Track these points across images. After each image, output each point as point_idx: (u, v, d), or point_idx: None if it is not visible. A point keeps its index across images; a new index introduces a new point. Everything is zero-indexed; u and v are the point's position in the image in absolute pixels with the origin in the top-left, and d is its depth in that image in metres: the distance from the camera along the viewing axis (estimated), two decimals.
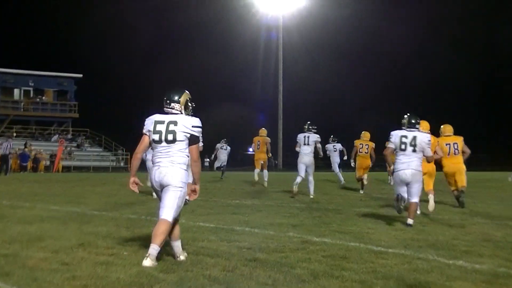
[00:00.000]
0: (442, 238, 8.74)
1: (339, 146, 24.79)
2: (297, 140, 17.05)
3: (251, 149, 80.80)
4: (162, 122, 6.84)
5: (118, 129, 61.99)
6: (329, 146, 24.76)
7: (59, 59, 71.99)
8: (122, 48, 78.27)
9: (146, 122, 6.97)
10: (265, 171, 22.35)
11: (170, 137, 6.76)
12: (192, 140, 6.80)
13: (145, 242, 7.96)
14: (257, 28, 57.11)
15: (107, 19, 71.11)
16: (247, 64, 74.98)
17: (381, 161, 27.24)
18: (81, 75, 57.73)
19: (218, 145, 30.17)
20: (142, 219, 10.64)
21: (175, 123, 6.78)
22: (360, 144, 19.72)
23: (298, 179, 16.75)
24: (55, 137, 51.01)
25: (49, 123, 56.00)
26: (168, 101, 6.93)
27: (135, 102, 77.05)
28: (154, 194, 6.37)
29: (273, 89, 59.10)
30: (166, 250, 7.19)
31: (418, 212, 11.56)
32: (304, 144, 16.85)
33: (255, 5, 53.18)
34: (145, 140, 6.95)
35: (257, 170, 22.24)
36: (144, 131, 6.97)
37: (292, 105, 58.67)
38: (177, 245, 6.89)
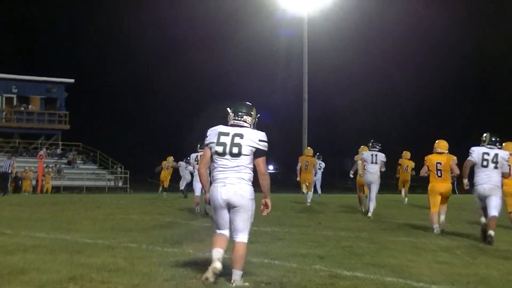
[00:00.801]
0: (495, 273, 8.68)
1: (323, 164, 29.07)
2: (364, 159, 19.64)
3: (271, 167, 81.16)
4: (226, 134, 7.49)
5: (116, 144, 62.20)
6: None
7: (47, 61, 72.47)
8: (121, 49, 78.69)
9: (208, 133, 7.64)
10: (310, 193, 25.21)
11: (235, 150, 7.41)
12: (258, 154, 7.46)
13: (146, 275, 8.00)
14: (278, 27, 57.14)
15: (103, 16, 71.75)
16: (264, 66, 75.07)
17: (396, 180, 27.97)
18: (72, 80, 57.74)
19: (182, 163, 31.67)
20: (142, 248, 10.67)
21: (241, 136, 7.45)
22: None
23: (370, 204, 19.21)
24: (41, 152, 50.84)
25: (35, 136, 55.97)
26: (240, 113, 7.65)
27: (136, 112, 77.65)
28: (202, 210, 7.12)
29: (295, 95, 59.05)
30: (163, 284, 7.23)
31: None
32: (372, 163, 19.32)
33: (276, 1, 53.01)
34: (207, 154, 7.64)
35: (310, 193, 25.20)
36: (206, 143, 7.63)
37: (317, 113, 58.65)
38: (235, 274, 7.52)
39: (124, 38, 77.79)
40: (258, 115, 7.81)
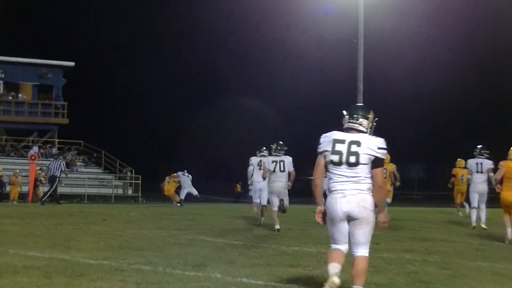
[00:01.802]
0: None
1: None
2: (468, 167, 21.85)
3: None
4: (342, 142, 8.30)
5: (125, 142, 62.41)
6: None
7: (41, 40, 72.76)
8: (132, 27, 78.58)
9: (321, 141, 8.50)
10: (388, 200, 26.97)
11: (352, 159, 8.21)
12: (376, 162, 8.25)
13: None
14: (329, 16, 57.07)
15: None
16: (312, 60, 74.95)
17: (449, 191, 29.33)
18: (72, 63, 57.85)
19: (180, 174, 41.58)
20: (158, 271, 10.72)
21: (358, 143, 8.23)
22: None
23: (473, 215, 21.79)
24: (32, 151, 50.56)
25: (26, 132, 56.11)
26: (355, 116, 8.45)
27: (150, 105, 77.74)
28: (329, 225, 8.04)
29: (346, 85, 58.86)
30: None
31: None
32: (477, 172, 21.34)
33: None
34: (321, 162, 8.50)
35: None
36: (319, 151, 8.49)
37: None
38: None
39: (137, 12, 77.75)
40: (376, 118, 8.51)
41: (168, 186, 41.54)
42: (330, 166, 8.33)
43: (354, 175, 8.19)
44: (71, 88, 58.76)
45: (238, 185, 57.73)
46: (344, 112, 8.51)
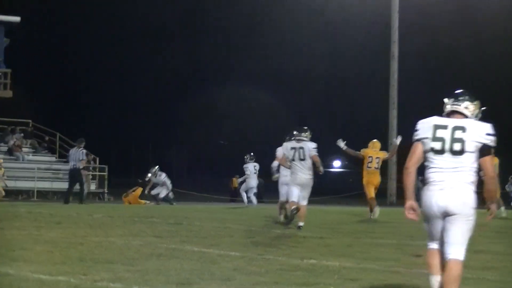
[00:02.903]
0: None
1: (258, 167, 38.42)
2: None
3: (337, 163, 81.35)
4: (444, 127, 9.30)
5: (86, 122, 62.42)
6: (249, 166, 39.36)
7: None
8: None
9: (418, 127, 9.54)
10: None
11: (457, 146, 9.18)
12: (485, 151, 9.23)
13: None
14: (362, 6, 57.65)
15: None
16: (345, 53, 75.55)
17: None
18: (18, 19, 57.80)
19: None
20: None
21: (463, 129, 9.21)
22: (370, 156, 26.75)
23: None
24: None
25: None
26: (460, 98, 9.49)
27: (120, 73, 77.80)
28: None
29: (378, 50, 59.26)
30: None
31: None
32: None
33: None
34: (418, 150, 9.51)
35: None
36: (416, 137, 9.56)
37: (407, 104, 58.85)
38: None
39: None
40: (484, 108, 9.35)
41: (131, 197, 43.83)
42: (430, 155, 9.28)
43: (457, 165, 9.12)
44: (17, 51, 58.64)
45: (234, 179, 57.07)
46: (446, 100, 9.50)
